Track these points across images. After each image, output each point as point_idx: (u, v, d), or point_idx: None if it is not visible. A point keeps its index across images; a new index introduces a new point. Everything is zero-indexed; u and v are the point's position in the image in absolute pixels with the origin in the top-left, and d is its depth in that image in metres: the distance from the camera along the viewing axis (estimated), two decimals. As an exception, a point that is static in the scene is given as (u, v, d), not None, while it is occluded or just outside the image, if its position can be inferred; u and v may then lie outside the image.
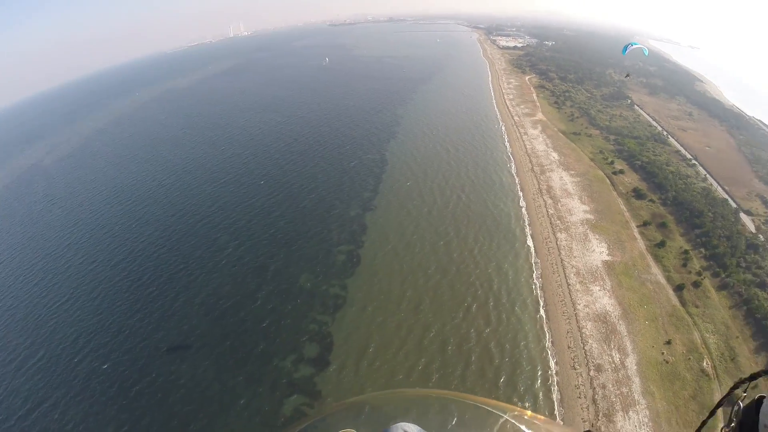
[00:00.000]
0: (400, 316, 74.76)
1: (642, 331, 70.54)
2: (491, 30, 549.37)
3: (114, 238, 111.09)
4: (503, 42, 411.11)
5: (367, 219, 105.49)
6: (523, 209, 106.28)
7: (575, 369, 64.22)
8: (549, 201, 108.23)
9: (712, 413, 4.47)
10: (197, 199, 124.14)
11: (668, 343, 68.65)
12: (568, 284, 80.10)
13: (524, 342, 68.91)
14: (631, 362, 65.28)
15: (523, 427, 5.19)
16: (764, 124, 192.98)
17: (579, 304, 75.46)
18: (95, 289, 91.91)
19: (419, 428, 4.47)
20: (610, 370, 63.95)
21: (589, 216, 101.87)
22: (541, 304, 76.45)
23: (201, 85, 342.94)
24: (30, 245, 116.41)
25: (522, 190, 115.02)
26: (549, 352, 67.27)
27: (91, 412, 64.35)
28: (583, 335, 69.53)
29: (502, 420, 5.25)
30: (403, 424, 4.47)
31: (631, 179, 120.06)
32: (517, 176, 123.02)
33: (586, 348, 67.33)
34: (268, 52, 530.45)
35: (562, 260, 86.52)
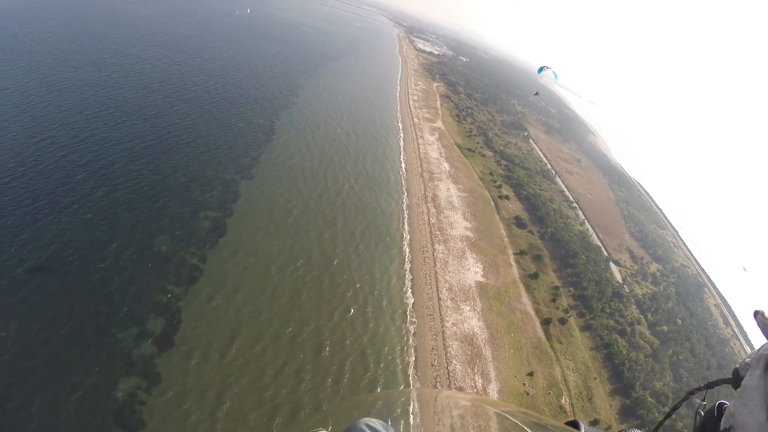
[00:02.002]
0: (262, 303, 68.12)
1: (506, 359, 69.54)
2: (412, 30, 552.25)
3: None
4: (421, 45, 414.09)
5: (249, 187, 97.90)
6: (405, 212, 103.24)
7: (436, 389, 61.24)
8: (433, 209, 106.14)
9: (668, 416, 4.41)
10: (62, 126, 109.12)
11: (531, 374, 68.32)
12: (439, 299, 77.49)
13: (390, 355, 65.07)
14: (493, 389, 63.74)
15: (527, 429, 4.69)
16: (642, 187, 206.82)
17: (448, 321, 72.97)
18: None
19: (383, 422, 4.29)
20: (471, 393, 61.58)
21: (469, 233, 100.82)
22: (409, 316, 73.18)
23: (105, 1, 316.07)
24: None
25: (407, 192, 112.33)
26: (412, 369, 63.94)
27: None
28: (448, 354, 66.90)
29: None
30: (366, 419, 4.29)
31: (515, 207, 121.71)
32: (406, 178, 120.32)
33: (449, 368, 64.70)
34: None
35: (436, 273, 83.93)
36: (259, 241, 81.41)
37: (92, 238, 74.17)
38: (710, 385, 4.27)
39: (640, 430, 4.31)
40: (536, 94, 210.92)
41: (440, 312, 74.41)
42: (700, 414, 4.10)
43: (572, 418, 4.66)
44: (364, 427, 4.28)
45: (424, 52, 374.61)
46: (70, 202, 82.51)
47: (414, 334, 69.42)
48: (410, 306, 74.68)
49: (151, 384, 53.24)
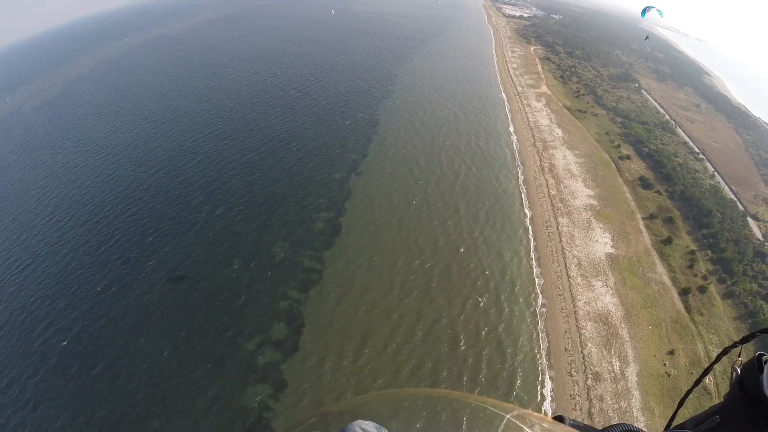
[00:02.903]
0: (392, 301, 67.59)
1: (645, 338, 64.80)
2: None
3: (84, 194, 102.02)
4: (509, 10, 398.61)
5: (360, 184, 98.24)
6: (523, 187, 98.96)
7: (572, 376, 58.06)
8: (551, 180, 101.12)
9: (698, 382, 3.90)
10: (176, 154, 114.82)
11: (671, 353, 63.21)
12: (569, 276, 73.59)
13: (521, 342, 62.48)
14: (631, 372, 59.59)
15: (526, 429, 4.42)
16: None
17: (579, 301, 69.12)
18: (60, 251, 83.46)
19: (377, 425, 4.15)
20: (609, 379, 58.08)
21: (593, 201, 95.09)
22: (540, 298, 69.96)
23: (193, 32, 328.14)
24: None
25: (522, 165, 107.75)
26: (544, 356, 61.08)
27: (46, 397, 56.90)
28: (582, 337, 63.28)
29: (504, 420, 4.51)
30: (360, 422, 4.13)
31: (637, 166, 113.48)
32: (519, 150, 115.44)
33: (584, 352, 61.18)
34: (266, 1, 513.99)
35: (562, 248, 79.85)
36: (381, 236, 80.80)
37: (215, 255, 77.07)
38: (746, 339, 3.58)
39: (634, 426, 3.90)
40: (647, 38, 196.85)
41: (571, 291, 70.66)
42: (736, 370, 3.54)
43: (559, 414, 4.60)
44: (358, 429, 4.14)
45: (513, 17, 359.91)
46: (192, 223, 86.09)
47: (545, 317, 66.42)
48: (539, 288, 71.39)
49: (284, 392, 54.38)
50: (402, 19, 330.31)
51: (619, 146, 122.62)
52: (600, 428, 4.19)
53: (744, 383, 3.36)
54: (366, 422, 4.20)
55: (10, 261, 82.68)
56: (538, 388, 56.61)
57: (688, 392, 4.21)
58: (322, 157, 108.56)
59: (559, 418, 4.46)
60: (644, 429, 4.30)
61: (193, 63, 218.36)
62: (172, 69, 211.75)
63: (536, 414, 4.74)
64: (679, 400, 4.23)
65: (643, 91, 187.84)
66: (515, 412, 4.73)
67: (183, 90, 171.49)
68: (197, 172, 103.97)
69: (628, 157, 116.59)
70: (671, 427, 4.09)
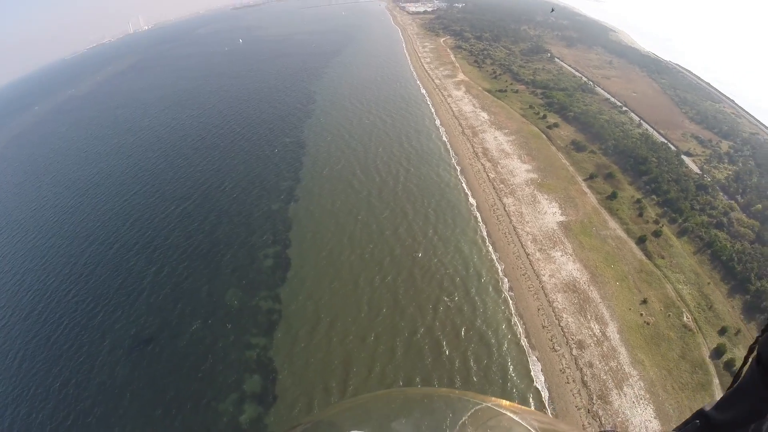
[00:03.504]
0: (363, 324, 64.61)
1: (615, 294, 64.43)
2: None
3: (20, 284, 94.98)
4: (412, 8, 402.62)
5: (299, 210, 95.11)
6: (461, 176, 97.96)
7: (556, 351, 56.81)
8: (488, 164, 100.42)
9: (736, 378, 3.53)
10: (107, 219, 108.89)
11: (644, 302, 63.28)
12: (527, 254, 72.48)
13: (501, 331, 60.71)
14: (612, 331, 59.00)
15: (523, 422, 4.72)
16: (682, 68, 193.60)
17: (544, 275, 68.05)
18: (7, 354, 76.93)
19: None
20: (593, 344, 57.20)
21: (532, 175, 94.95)
22: (505, 282, 68.46)
23: (103, 87, 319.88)
24: None
25: (456, 155, 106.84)
26: (523, 338, 59.56)
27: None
28: (556, 310, 62.12)
29: (498, 415, 4.86)
30: None
31: (567, 132, 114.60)
32: (450, 141, 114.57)
33: (562, 324, 60.04)
34: (172, 43, 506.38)
35: (514, 228, 78.84)
36: (335, 259, 77.87)
37: (171, 320, 72.92)
38: None
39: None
40: (552, 10, 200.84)
41: (533, 267, 69.61)
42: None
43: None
44: None
45: (418, 13, 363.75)
46: (139, 290, 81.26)
47: (515, 300, 65.01)
48: (502, 272, 69.92)
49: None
50: (309, 35, 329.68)
51: (545, 117, 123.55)
52: None
53: (762, 357, 3.16)
54: None
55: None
56: (531, 372, 55.11)
57: (732, 384, 3.56)
58: (258, 190, 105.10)
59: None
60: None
61: (108, 120, 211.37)
62: (87, 131, 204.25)
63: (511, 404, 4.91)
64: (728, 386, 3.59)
65: (557, 60, 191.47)
66: (489, 404, 4.99)
67: (102, 151, 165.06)
68: (133, 235, 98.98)
69: (556, 125, 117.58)
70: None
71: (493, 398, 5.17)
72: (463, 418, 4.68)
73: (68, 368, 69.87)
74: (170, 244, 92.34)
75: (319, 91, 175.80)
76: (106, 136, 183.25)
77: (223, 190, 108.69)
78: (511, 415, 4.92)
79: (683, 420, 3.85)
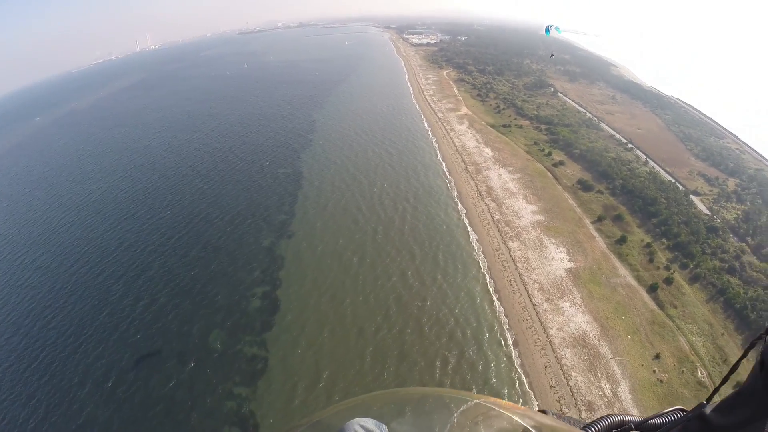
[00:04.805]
0: (363, 380, 59.24)
1: (627, 349, 59.83)
2: (402, 29, 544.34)
3: None
4: (416, 39, 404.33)
5: (293, 247, 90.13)
6: (464, 217, 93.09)
7: (564, 414, 52.05)
8: (492, 204, 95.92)
9: (733, 369, 3.73)
10: (96, 243, 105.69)
11: (657, 357, 58.75)
12: (534, 305, 67.77)
13: (505, 395, 55.82)
14: (624, 391, 54.49)
15: (516, 418, 4.49)
16: (683, 102, 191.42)
17: (551, 329, 63.26)
18: None
19: (376, 422, 4.35)
20: (603, 405, 52.69)
21: (538, 217, 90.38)
22: (509, 336, 63.33)
23: (105, 103, 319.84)
24: None
25: (459, 194, 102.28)
26: (531, 399, 54.80)
27: None
28: (564, 368, 57.43)
29: (494, 412, 4.62)
30: (359, 419, 4.34)
31: (573, 170, 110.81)
32: (451, 178, 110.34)
33: (570, 384, 55.34)
34: (177, 64, 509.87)
35: (520, 275, 74.11)
36: (335, 304, 72.54)
37: (145, 361, 68.53)
38: None
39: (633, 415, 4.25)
40: (552, 55, 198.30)
41: (540, 320, 64.97)
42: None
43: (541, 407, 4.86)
44: (358, 427, 4.29)
45: (421, 45, 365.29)
46: (114, 325, 77.10)
47: (520, 356, 60.38)
48: (506, 325, 65.16)
49: None
50: (314, 63, 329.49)
51: (550, 154, 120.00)
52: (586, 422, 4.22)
53: (765, 363, 3.06)
54: (365, 420, 4.30)
55: None
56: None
57: (715, 390, 3.82)
58: (248, 225, 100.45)
59: (542, 412, 4.58)
60: (632, 415, 4.28)
61: (107, 138, 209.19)
62: (85, 147, 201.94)
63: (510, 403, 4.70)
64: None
65: (560, 94, 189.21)
66: (484, 400, 4.80)
67: (98, 169, 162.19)
68: (122, 263, 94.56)
69: (562, 163, 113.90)
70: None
71: (493, 398, 4.90)
72: (456, 415, 4.51)
73: (38, 399, 66.26)
74: (152, 277, 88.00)
75: (322, 120, 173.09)
76: (103, 154, 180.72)
77: (211, 222, 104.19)
78: (509, 414, 4.67)
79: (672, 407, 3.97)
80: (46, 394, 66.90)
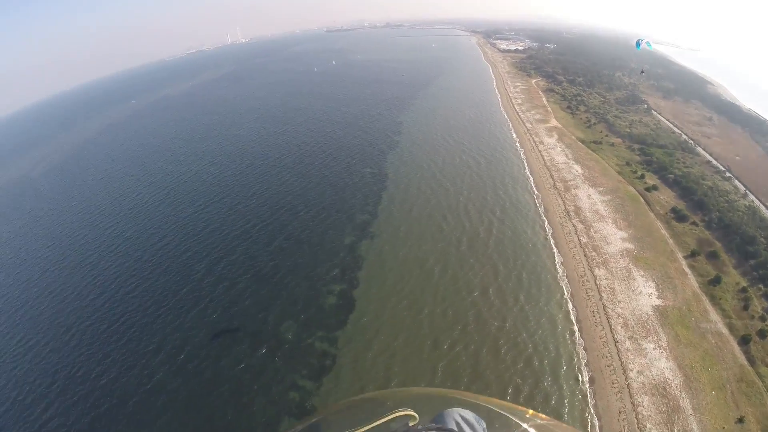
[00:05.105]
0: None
1: (709, 406, 54.26)
2: (490, 34, 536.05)
3: (86, 265, 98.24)
4: (503, 45, 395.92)
5: (374, 248, 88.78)
6: (551, 236, 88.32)
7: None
8: (580, 226, 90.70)
9: None
10: (179, 222, 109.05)
11: (740, 420, 52.70)
12: (616, 341, 63.11)
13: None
14: (700, 455, 49.52)
15: None
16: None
17: (631, 371, 58.54)
18: (62, 326, 79.93)
19: (475, 415, 4.48)
20: (677, 468, 48.16)
21: (628, 245, 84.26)
22: (586, 372, 59.11)
23: (196, 91, 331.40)
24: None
25: (546, 211, 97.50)
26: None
27: None
28: (640, 416, 52.86)
29: (521, 429, 4.91)
30: (458, 409, 4.51)
31: (666, 197, 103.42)
32: (539, 194, 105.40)
33: (644, 436, 51.17)
34: (266, 58, 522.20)
35: (604, 307, 69.32)
36: (414, 311, 70.49)
37: (219, 340, 69.90)
38: None
39: None
40: (642, 72, 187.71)
41: (620, 359, 60.30)
42: None
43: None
44: (457, 417, 4.38)
45: (509, 51, 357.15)
46: (194, 302, 78.75)
47: (594, 396, 56.36)
48: (584, 359, 60.94)
49: None
50: (400, 64, 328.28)
51: (642, 176, 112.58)
52: None
53: None
54: (465, 411, 4.44)
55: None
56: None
57: None
58: (332, 221, 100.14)
59: None
60: None
61: (198, 124, 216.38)
62: (176, 131, 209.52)
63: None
64: None
65: (654, 112, 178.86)
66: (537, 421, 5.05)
67: (186, 152, 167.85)
68: (204, 245, 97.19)
69: (655, 188, 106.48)
70: None
71: (494, 399, 5.25)
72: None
73: (112, 359, 69.57)
74: (233, 262, 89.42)
75: (408, 122, 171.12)
76: (193, 139, 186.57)
77: (296, 214, 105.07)
78: (509, 415, 4.99)
79: None
80: (121, 355, 69.90)
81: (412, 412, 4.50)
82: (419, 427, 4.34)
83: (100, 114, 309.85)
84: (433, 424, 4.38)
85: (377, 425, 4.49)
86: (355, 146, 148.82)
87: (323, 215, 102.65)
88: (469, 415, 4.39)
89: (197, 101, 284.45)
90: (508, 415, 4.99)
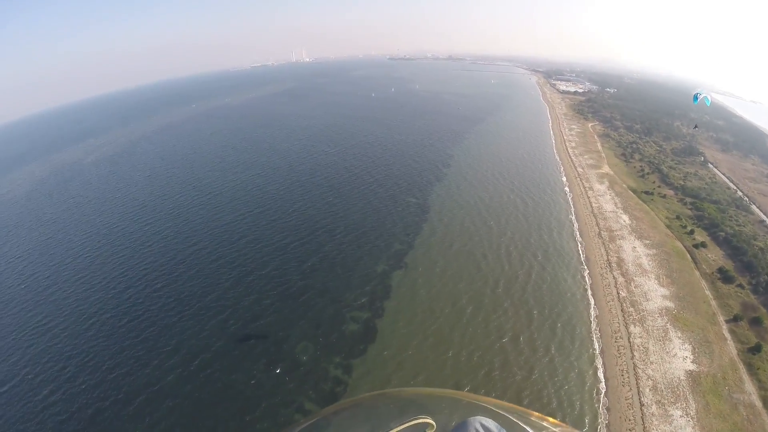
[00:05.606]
0: None
1: (734, 488, 50.11)
2: (550, 74, 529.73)
3: (119, 257, 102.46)
4: (563, 86, 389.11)
5: (405, 279, 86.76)
6: (589, 287, 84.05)
7: None
8: (620, 279, 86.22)
9: None
10: (215, 228, 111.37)
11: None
12: (642, 404, 59.01)
13: None
14: None
15: None
16: None
17: (655, 439, 54.77)
18: (83, 315, 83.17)
19: (497, 425, 4.23)
20: None
21: (668, 303, 79.13)
22: (607, 436, 55.31)
23: (255, 104, 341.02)
24: (44, 248, 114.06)
25: (587, 259, 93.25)
26: None
27: None
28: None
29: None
30: (480, 418, 4.27)
31: (715, 255, 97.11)
32: (583, 241, 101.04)
33: None
34: (327, 79, 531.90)
35: (635, 366, 65.08)
36: (439, 351, 67.74)
37: (236, 352, 69.50)
38: None
39: None
40: (695, 127, 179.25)
41: (644, 424, 56.19)
42: None
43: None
44: (479, 426, 4.15)
45: (568, 93, 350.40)
46: (218, 310, 78.87)
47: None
48: (606, 421, 56.94)
49: None
50: (458, 97, 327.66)
51: (692, 232, 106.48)
52: None
53: None
54: (487, 420, 4.22)
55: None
56: None
57: None
58: (369, 247, 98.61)
59: None
60: None
61: (251, 135, 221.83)
62: (228, 139, 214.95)
63: None
64: None
65: (710, 165, 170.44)
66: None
67: (235, 161, 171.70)
68: (237, 255, 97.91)
69: (703, 245, 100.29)
70: None
71: (495, 399, 5.09)
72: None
73: (127, 354, 70.79)
74: (267, 275, 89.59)
75: (459, 156, 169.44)
76: (244, 149, 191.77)
77: (333, 235, 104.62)
78: (508, 415, 4.84)
79: None
80: (135, 352, 70.94)
81: (430, 420, 4.42)
82: None
83: (159, 114, 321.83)
84: None
85: None
86: (404, 175, 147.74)
87: (362, 240, 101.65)
88: (491, 424, 4.17)
89: (254, 113, 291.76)
90: (489, 407, 4.93)
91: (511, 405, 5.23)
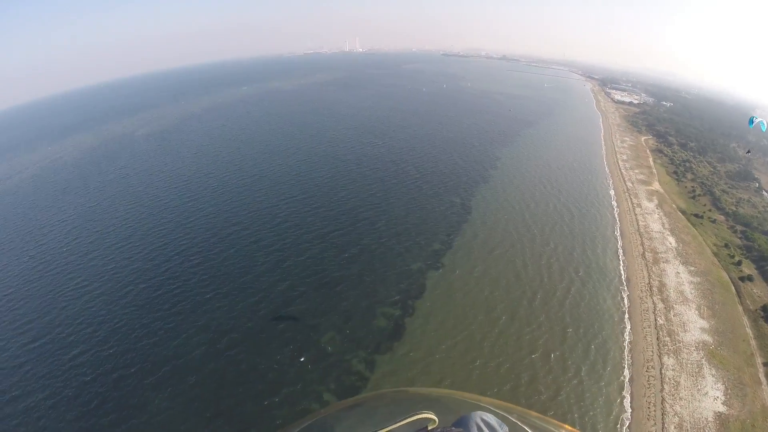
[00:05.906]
0: None
1: None
2: (606, 82, 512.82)
3: (161, 229, 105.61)
4: (618, 96, 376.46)
5: (441, 280, 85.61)
6: (626, 310, 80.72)
7: None
8: (660, 305, 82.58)
9: None
10: (257, 211, 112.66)
11: None
12: (665, 443, 56.49)
13: None
14: None
15: None
16: None
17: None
18: (121, 282, 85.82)
19: (497, 420, 4.26)
20: None
21: (707, 337, 75.30)
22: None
23: (305, 90, 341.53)
24: (89, 215, 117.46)
25: (628, 280, 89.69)
26: None
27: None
28: None
29: None
30: (481, 413, 4.28)
31: (761, 291, 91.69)
32: (625, 261, 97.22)
33: None
34: (379, 70, 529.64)
35: (663, 400, 62.33)
36: (466, 360, 66.27)
37: (263, 335, 70.26)
38: None
39: None
40: (748, 152, 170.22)
41: (666, 463, 54.19)
42: None
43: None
44: (479, 421, 4.15)
45: (622, 103, 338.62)
46: (251, 292, 79.46)
47: None
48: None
49: None
50: (509, 98, 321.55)
51: (739, 263, 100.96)
52: None
53: None
54: (487, 414, 4.23)
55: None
56: None
57: None
58: (410, 244, 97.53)
59: None
60: None
61: (299, 121, 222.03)
62: (277, 123, 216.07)
63: None
64: None
65: (765, 193, 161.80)
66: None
67: (281, 146, 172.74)
68: (271, 236, 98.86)
69: (750, 278, 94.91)
70: None
71: (495, 399, 5.30)
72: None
73: (157, 325, 72.73)
74: (304, 263, 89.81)
75: (506, 158, 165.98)
76: (291, 135, 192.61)
77: (374, 228, 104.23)
78: (508, 415, 4.88)
79: None
80: (165, 323, 72.79)
81: (431, 415, 4.39)
82: (438, 429, 4.22)
83: (211, 93, 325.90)
84: (453, 428, 4.14)
85: (395, 428, 4.34)
86: (450, 173, 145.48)
87: (402, 236, 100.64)
88: (491, 419, 4.15)
89: (304, 99, 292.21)
90: (489, 407, 4.94)
91: (511, 405, 5.39)
